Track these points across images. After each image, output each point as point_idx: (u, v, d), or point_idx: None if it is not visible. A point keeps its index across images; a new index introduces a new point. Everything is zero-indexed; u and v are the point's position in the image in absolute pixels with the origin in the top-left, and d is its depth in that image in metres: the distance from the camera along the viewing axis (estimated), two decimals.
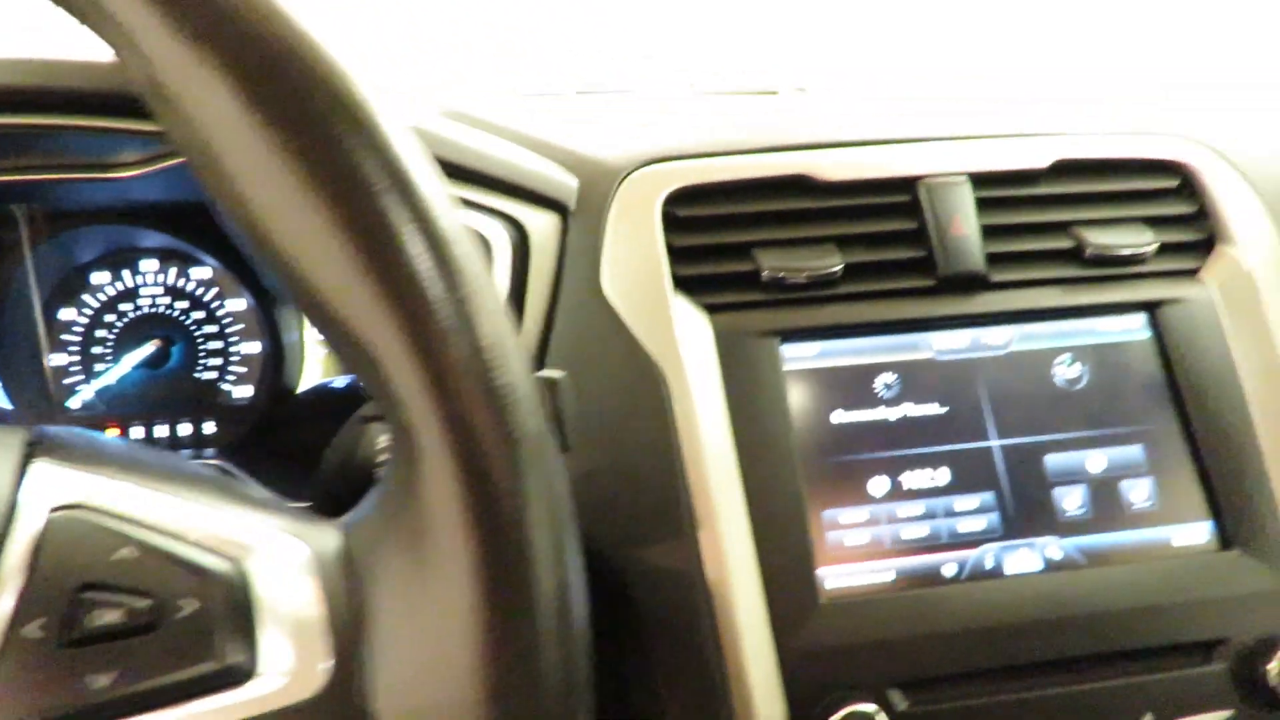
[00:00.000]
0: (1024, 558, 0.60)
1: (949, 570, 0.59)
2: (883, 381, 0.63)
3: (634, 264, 0.61)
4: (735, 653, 0.54)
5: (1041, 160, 0.68)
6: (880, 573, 0.58)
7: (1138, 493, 0.62)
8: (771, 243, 0.63)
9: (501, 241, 0.58)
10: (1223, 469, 0.62)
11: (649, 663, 0.55)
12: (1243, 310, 0.66)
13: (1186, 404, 0.64)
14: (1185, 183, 0.70)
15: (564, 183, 0.63)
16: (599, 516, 0.56)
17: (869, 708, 0.53)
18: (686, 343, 0.59)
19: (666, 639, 0.56)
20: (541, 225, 0.62)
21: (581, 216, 0.63)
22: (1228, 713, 0.57)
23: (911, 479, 0.61)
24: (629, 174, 0.64)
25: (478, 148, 0.60)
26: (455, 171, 0.59)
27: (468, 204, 0.59)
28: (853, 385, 0.62)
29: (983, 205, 0.66)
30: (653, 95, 0.95)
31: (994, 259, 0.65)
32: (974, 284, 0.65)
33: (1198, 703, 0.57)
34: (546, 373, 0.38)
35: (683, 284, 0.62)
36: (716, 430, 0.58)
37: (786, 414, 0.59)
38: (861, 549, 0.59)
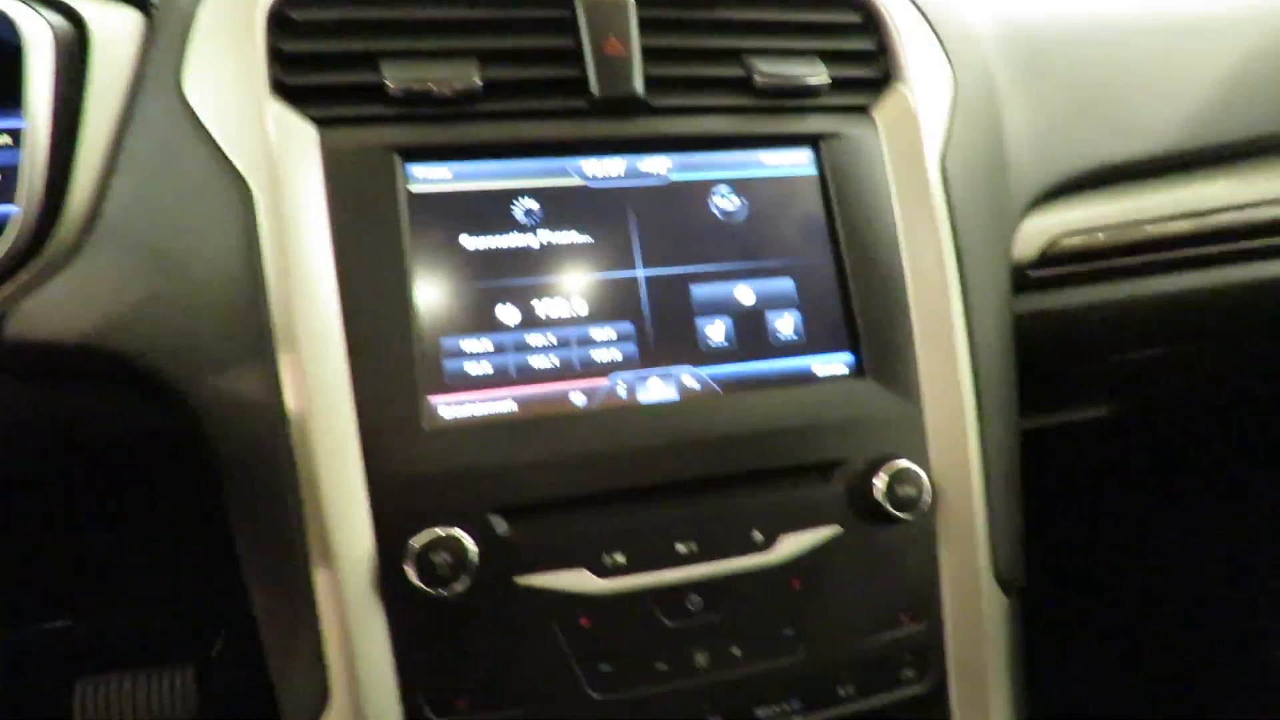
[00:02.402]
0: (658, 387, 0.59)
1: (578, 399, 0.57)
2: (523, 207, 0.59)
3: (226, 66, 0.54)
4: (314, 486, 0.50)
5: None
6: (501, 400, 0.56)
7: (783, 324, 0.62)
8: (402, 53, 0.58)
9: (40, 35, 0.50)
10: (867, 303, 0.62)
11: (224, 502, 0.51)
12: (905, 151, 0.66)
13: (840, 239, 0.63)
14: (868, 19, 0.68)
15: None
16: (167, 345, 0.51)
17: (454, 532, 0.50)
18: (284, 156, 0.54)
19: (241, 474, 0.51)
20: (112, 19, 0.53)
21: (169, 10, 0.55)
22: (835, 528, 0.58)
23: (545, 307, 0.58)
24: None
25: None
26: None
27: None
28: (489, 210, 0.58)
29: (647, 26, 0.62)
30: None
31: (656, 83, 0.62)
32: (631, 108, 0.61)
33: (809, 519, 0.58)
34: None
35: (290, 93, 0.55)
36: (313, 250, 0.53)
37: (401, 237, 0.55)
38: (484, 378, 0.56)
